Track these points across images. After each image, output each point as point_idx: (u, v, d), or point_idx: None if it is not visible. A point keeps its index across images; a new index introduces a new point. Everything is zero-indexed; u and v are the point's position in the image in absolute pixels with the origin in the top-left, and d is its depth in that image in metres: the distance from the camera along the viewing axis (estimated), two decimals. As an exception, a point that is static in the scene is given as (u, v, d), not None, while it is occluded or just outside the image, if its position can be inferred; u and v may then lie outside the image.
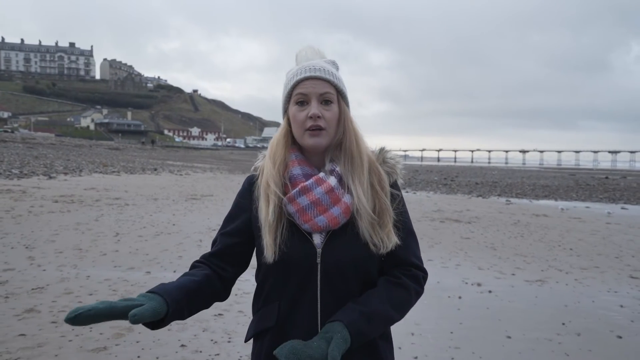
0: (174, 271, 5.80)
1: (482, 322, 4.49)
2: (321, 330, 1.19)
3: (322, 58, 1.40)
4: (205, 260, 1.37)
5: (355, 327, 1.18)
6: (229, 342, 3.80)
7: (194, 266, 1.36)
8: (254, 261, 1.41)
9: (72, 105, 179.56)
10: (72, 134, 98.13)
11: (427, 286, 1.44)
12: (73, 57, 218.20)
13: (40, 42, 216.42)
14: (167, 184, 18.22)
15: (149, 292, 1.16)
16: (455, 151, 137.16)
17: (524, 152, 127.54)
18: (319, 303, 1.26)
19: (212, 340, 3.81)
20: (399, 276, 1.32)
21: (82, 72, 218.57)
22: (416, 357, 3.66)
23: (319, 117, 1.29)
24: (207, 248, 7.77)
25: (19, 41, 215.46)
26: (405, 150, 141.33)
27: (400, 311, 1.30)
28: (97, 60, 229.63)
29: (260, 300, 1.36)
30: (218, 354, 3.56)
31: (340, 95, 1.35)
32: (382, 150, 1.41)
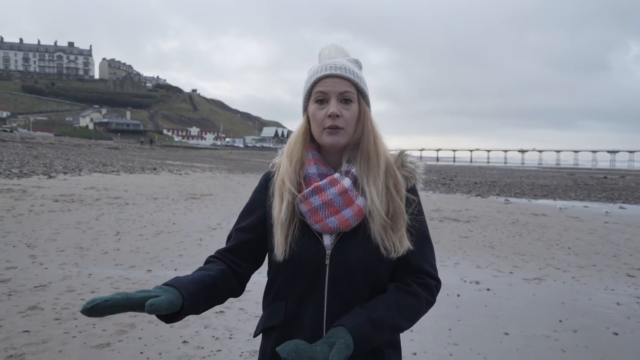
0: (175, 269, 5.84)
1: (481, 320, 4.55)
2: (325, 334, 1.17)
3: (346, 56, 1.38)
4: (220, 255, 1.36)
5: (359, 333, 1.15)
6: (230, 338, 3.85)
7: (208, 261, 1.35)
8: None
9: (71, 104, 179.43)
10: (71, 134, 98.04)
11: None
12: (72, 57, 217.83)
13: (39, 41, 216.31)
14: (166, 183, 18.25)
15: (164, 284, 1.15)
16: (454, 151, 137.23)
17: (522, 151, 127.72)
18: (325, 304, 1.25)
19: (213, 336, 3.86)
20: (410, 283, 1.29)
21: (81, 72, 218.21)
22: (415, 354, 3.71)
23: (337, 116, 1.27)
24: (207, 247, 7.74)
25: (17, 40, 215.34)
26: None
27: (408, 319, 1.26)
28: (96, 59, 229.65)
29: (269, 297, 1.36)
30: (220, 350, 3.61)
31: (361, 94, 1.32)
32: (401, 154, 1.38)
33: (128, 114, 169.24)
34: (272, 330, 1.31)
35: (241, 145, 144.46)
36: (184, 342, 3.72)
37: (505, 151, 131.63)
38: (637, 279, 6.28)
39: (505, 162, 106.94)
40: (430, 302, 1.31)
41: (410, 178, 1.35)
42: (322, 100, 1.29)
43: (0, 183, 13.76)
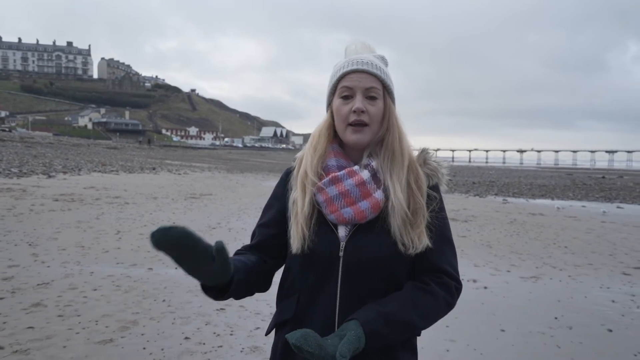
0: (176, 268, 5.89)
1: (477, 317, 4.62)
2: (338, 328, 1.17)
3: (372, 52, 1.36)
4: (246, 251, 1.36)
5: (371, 327, 1.13)
6: (231, 334, 3.91)
7: (237, 253, 1.34)
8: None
9: (70, 104, 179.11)
10: (70, 133, 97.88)
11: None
12: (71, 56, 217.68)
13: (37, 41, 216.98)
14: (166, 183, 18.29)
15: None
16: (453, 151, 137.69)
17: (521, 151, 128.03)
18: (337, 298, 1.23)
19: (214, 333, 3.93)
20: (428, 282, 1.26)
21: (79, 72, 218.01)
22: (413, 349, 3.77)
23: (362, 111, 1.25)
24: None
25: (16, 40, 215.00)
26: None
27: (424, 319, 1.23)
28: (95, 59, 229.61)
29: (283, 291, 1.36)
30: (221, 346, 3.68)
31: (387, 91, 1.31)
32: (423, 151, 1.37)
33: (127, 113, 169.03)
34: (283, 325, 1.30)
35: (240, 145, 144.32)
36: (186, 338, 3.78)
37: (504, 151, 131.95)
38: (632, 277, 6.36)
39: (504, 162, 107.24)
40: (449, 304, 1.29)
41: (432, 176, 1.33)
42: (348, 96, 1.28)
43: (0, 182, 13.80)
